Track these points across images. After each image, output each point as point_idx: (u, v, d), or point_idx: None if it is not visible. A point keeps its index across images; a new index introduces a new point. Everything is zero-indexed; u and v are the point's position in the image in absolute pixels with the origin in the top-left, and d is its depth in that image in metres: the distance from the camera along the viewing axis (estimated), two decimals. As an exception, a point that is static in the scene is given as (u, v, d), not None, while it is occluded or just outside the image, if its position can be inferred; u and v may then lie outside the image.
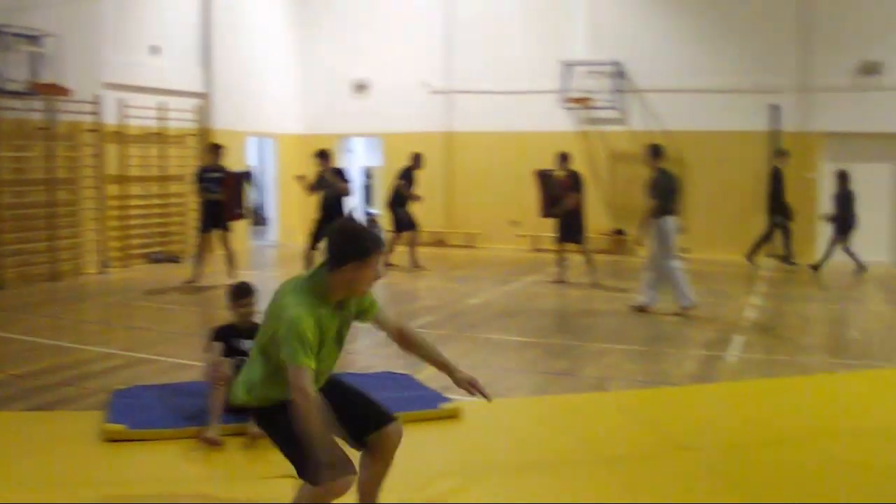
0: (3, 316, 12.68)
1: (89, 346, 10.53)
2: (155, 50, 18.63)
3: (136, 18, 18.31)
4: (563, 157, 16.31)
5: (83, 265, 16.70)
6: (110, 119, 17.42)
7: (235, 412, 6.78)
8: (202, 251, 15.46)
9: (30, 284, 15.34)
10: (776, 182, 19.02)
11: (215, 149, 15.67)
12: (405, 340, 5.22)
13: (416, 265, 17.75)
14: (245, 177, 16.25)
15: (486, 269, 18.01)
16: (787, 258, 19.26)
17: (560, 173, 16.27)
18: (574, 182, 16.10)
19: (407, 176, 17.78)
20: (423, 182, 18.65)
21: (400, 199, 17.74)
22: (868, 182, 18.85)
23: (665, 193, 12.93)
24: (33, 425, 7.29)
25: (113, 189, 17.66)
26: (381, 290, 16.04)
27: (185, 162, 18.99)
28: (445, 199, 22.19)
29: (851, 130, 20.09)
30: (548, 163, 16.81)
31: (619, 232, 20.95)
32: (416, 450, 6.63)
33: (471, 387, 5.09)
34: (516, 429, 7.26)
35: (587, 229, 16.39)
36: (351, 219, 4.80)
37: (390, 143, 22.95)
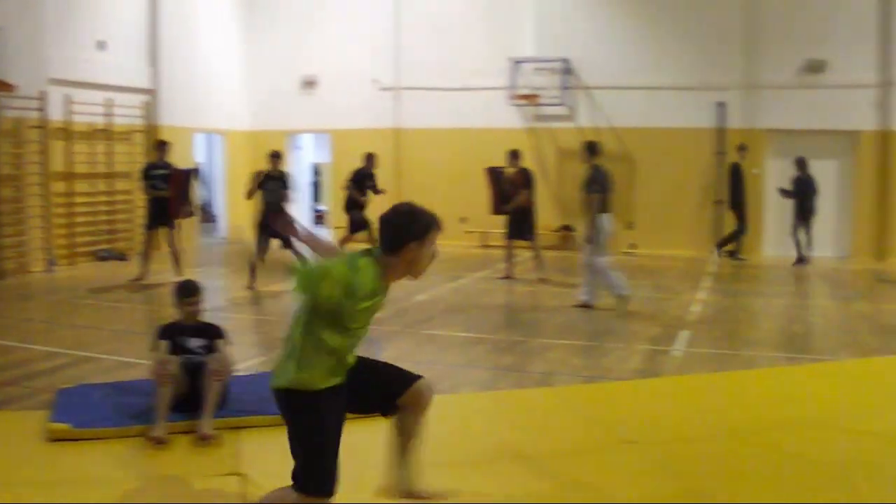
0: (-54, 315, 12.57)
1: (34, 345, 10.42)
2: (101, 45, 18.47)
3: (81, 13, 18.12)
4: (514, 155, 16.38)
5: (28, 263, 16.54)
6: (56, 115, 17.23)
7: (182, 409, 6.79)
8: (148, 249, 15.36)
9: (-26, 283, 15.22)
10: (736, 177, 19.22)
11: (161, 145, 15.59)
12: None
13: None
14: (192, 174, 16.16)
15: (435, 266, 17.88)
16: (734, 253, 19.48)
17: (511, 170, 16.34)
18: (525, 179, 16.17)
19: (357, 179, 17.43)
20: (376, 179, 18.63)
21: (353, 202, 17.53)
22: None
23: (600, 190, 13.03)
24: (-24, 425, 7.23)
25: (59, 186, 17.48)
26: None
27: (133, 159, 18.85)
28: (394, 196, 22.17)
29: (796, 127, 20.35)
30: (497, 159, 16.88)
31: (567, 228, 21.06)
32: (364, 446, 6.64)
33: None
34: (463, 424, 7.28)
35: (537, 226, 16.48)
36: (405, 203, 4.80)
37: (339, 140, 22.92)
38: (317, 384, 4.70)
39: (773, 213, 20.14)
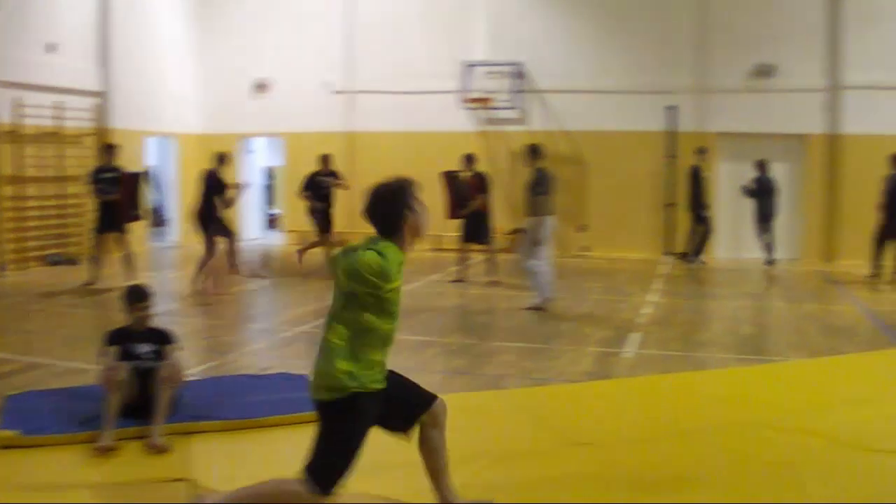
0: None
1: (-18, 351, 10.34)
2: (51, 47, 18.31)
3: (31, 15, 17.96)
4: (469, 159, 16.43)
5: (-23, 268, 16.41)
6: (5, 118, 17.10)
7: (132, 415, 6.75)
8: (99, 253, 15.25)
9: (-79, 288, 15.06)
10: (696, 180, 19.35)
11: (109, 149, 15.47)
12: None
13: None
14: (141, 177, 16.06)
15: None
16: (687, 255, 19.61)
17: (466, 174, 16.38)
18: (480, 183, 16.22)
19: (308, 185, 17.22)
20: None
21: (315, 204, 17.24)
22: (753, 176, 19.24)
23: (544, 192, 13.10)
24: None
25: (8, 190, 17.33)
26: (284, 293, 16.00)
27: (83, 162, 18.66)
28: (347, 200, 22.10)
29: (746, 131, 20.57)
30: (449, 163, 16.91)
31: (521, 231, 21.12)
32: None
33: None
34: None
35: (492, 229, 16.53)
36: (376, 186, 4.95)
37: (292, 143, 22.88)
38: (368, 385, 4.85)
39: (725, 215, 20.31)
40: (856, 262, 18.91)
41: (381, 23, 22.37)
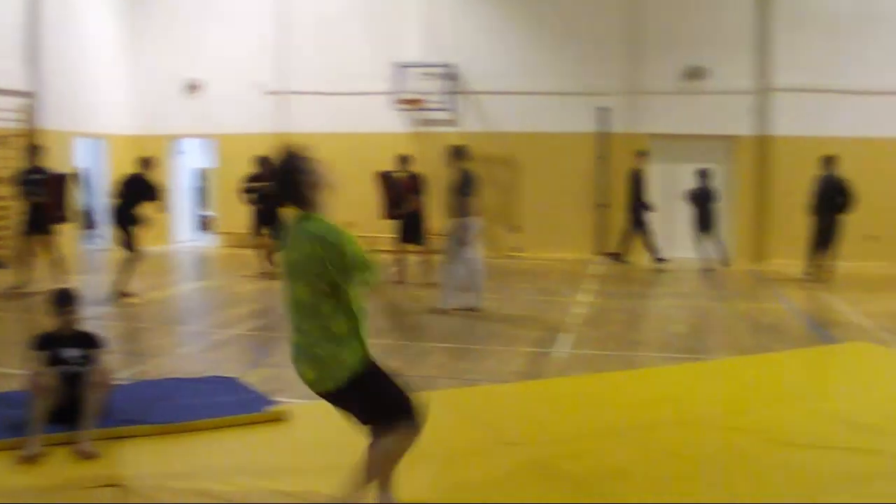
0: None
1: None
2: (-23, 48, 18.08)
3: (-44, 16, 17.72)
4: (404, 159, 16.43)
5: None
6: (-71, 119, 16.84)
7: (60, 420, 6.66)
8: (26, 256, 15.00)
9: None
10: (636, 182, 19.47)
11: (35, 150, 15.25)
12: None
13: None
14: (69, 178, 15.83)
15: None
16: (619, 255, 19.75)
17: (401, 175, 16.38)
18: (415, 183, 16.23)
19: (247, 189, 17.08)
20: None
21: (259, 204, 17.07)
22: (690, 183, 19.43)
23: (469, 194, 13.14)
24: None
25: (-67, 192, 17.07)
26: (216, 294, 15.90)
27: (11, 164, 18.40)
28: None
29: (677, 132, 20.77)
30: (383, 164, 16.91)
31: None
32: (242, 453, 6.64)
33: None
34: (342, 430, 7.24)
35: (428, 230, 16.53)
36: (273, 169, 5.10)
37: (224, 145, 22.73)
38: (364, 355, 5.16)
39: (657, 216, 20.45)
40: (785, 262, 19.24)
41: (314, 24, 22.30)
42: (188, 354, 10.41)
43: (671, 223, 20.24)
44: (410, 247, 16.45)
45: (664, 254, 19.41)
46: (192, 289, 16.34)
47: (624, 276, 18.18)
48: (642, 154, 19.74)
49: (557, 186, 21.30)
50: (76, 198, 15.99)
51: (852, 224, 17.14)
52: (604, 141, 20.92)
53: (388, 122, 21.52)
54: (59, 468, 6.26)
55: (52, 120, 19.80)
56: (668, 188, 20.20)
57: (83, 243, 21.53)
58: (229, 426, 7.05)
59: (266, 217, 16.65)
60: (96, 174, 22.80)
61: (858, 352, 10.70)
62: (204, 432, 6.97)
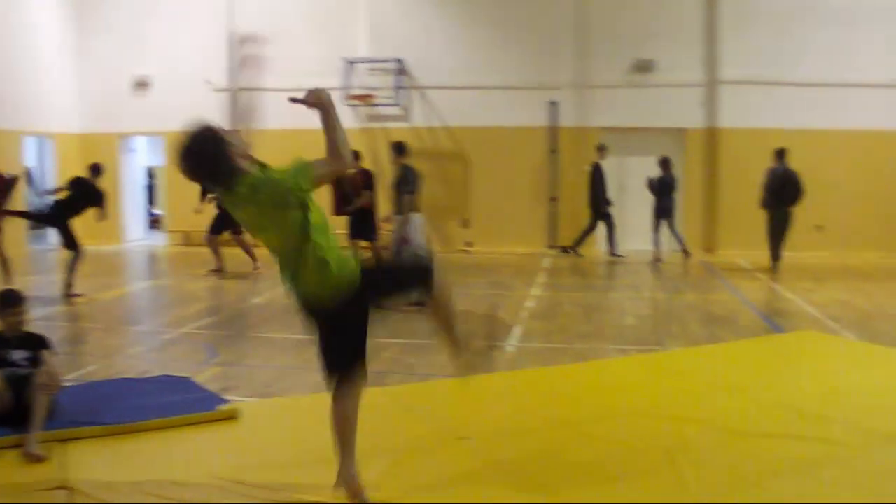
0: None
1: None
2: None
3: None
4: (355, 155, 16.34)
5: None
6: None
7: (7, 423, 6.59)
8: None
9: None
10: (597, 176, 19.56)
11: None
12: None
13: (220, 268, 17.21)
14: (15, 179, 15.59)
15: (271, 268, 17.76)
16: (572, 248, 19.85)
17: (352, 171, 16.32)
18: (366, 179, 16.18)
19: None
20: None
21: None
22: (640, 174, 19.60)
23: (411, 190, 13.15)
24: None
25: None
26: (166, 293, 15.81)
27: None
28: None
29: (626, 125, 20.88)
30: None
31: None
32: (195, 452, 6.61)
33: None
34: (295, 427, 7.29)
35: (378, 226, 16.51)
36: (185, 148, 5.09)
37: (173, 143, 22.54)
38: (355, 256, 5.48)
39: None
40: (735, 253, 19.40)
41: (262, 19, 22.16)
42: (138, 354, 10.33)
43: (622, 216, 20.34)
44: (362, 243, 16.41)
45: (619, 247, 19.58)
46: (142, 288, 16.24)
47: (577, 269, 18.26)
48: (602, 148, 19.86)
49: (509, 181, 21.36)
50: (22, 198, 15.78)
51: (799, 215, 17.31)
52: (554, 135, 20.99)
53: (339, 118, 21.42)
54: (7, 471, 6.19)
55: (-1, 119, 19.62)
56: (619, 181, 20.32)
57: (32, 243, 21.33)
58: (180, 426, 7.01)
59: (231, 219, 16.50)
60: (44, 174, 22.61)
61: (806, 341, 10.80)
62: (155, 432, 6.92)
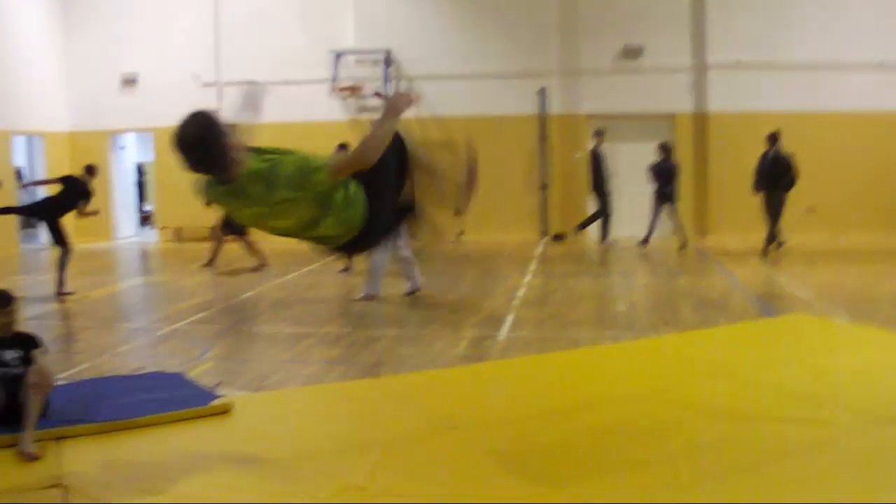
0: None
1: None
2: None
3: None
4: (344, 147, 16.37)
5: None
6: None
7: (1, 424, 6.58)
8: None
9: None
10: (596, 162, 19.57)
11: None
12: None
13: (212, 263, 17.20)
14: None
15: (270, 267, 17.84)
16: (578, 227, 19.93)
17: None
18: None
19: None
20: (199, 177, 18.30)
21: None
22: (631, 161, 19.63)
23: None
24: None
25: None
26: (159, 289, 15.79)
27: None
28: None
29: (615, 112, 20.87)
30: (323, 152, 16.80)
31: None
32: (189, 448, 6.59)
33: None
34: (289, 420, 7.28)
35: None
36: (182, 139, 5.02)
37: (162, 138, 22.42)
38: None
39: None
40: (726, 237, 19.41)
41: (249, 13, 22.17)
42: (131, 351, 10.31)
43: (616, 203, 20.32)
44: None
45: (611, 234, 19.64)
46: (134, 285, 16.21)
47: (569, 257, 18.27)
48: (599, 133, 19.85)
49: (499, 169, 21.29)
50: (15, 198, 15.76)
51: (791, 198, 17.32)
52: (544, 122, 20.99)
53: (328, 110, 21.44)
54: (1, 471, 6.19)
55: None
56: (610, 167, 20.31)
57: (23, 242, 21.30)
58: (174, 421, 7.00)
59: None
60: (34, 172, 22.57)
61: (799, 323, 10.81)
62: (148, 429, 6.91)
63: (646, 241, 19.14)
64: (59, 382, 7.52)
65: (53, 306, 13.48)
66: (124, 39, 22.72)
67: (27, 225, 22.20)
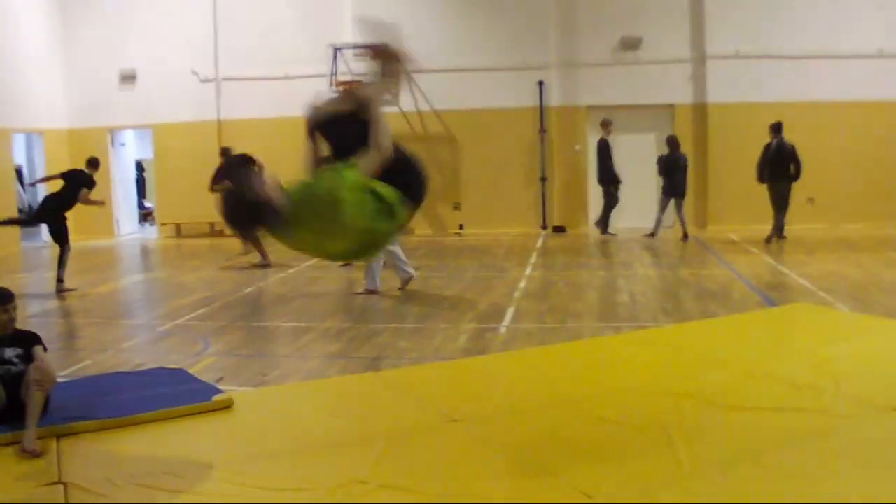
0: None
1: None
2: None
3: None
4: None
5: None
6: None
7: (3, 422, 6.59)
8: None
9: None
10: (604, 153, 19.56)
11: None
12: None
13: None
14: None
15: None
16: (604, 230, 19.90)
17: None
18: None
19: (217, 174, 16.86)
20: (199, 173, 18.33)
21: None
22: (631, 152, 19.64)
23: None
24: None
25: None
26: (160, 285, 15.80)
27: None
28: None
29: (614, 103, 20.85)
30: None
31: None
32: (191, 444, 6.60)
33: None
34: (290, 415, 7.28)
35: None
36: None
37: (161, 135, 22.54)
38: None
39: (598, 188, 20.56)
40: (726, 228, 19.41)
41: (248, 8, 22.16)
42: (133, 347, 10.33)
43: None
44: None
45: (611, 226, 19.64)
46: (135, 281, 16.22)
47: (569, 248, 18.26)
48: (607, 123, 19.83)
49: (498, 162, 21.35)
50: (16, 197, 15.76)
51: (793, 188, 17.36)
52: (543, 115, 20.98)
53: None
54: (4, 468, 6.19)
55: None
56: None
57: (24, 240, 21.29)
58: (176, 417, 7.00)
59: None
60: (34, 170, 22.57)
61: (799, 313, 10.80)
62: (150, 425, 6.91)
63: (653, 234, 19.12)
64: (61, 379, 7.54)
65: (55, 303, 13.50)
66: (122, 36, 22.69)
67: (26, 222, 22.20)
